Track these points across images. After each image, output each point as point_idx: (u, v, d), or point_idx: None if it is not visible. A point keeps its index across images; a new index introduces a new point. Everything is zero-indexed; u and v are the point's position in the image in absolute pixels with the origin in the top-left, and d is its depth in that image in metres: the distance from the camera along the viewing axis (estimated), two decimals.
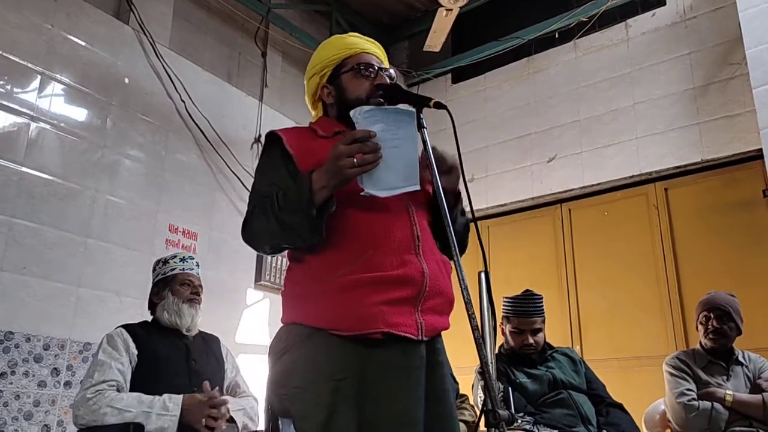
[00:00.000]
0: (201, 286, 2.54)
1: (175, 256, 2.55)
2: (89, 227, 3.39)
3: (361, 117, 1.34)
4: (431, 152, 1.41)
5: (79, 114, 3.48)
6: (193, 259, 2.57)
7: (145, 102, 3.83)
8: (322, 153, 1.35)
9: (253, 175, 1.59)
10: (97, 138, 3.53)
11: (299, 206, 1.31)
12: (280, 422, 1.41)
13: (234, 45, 4.70)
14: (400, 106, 1.41)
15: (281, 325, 1.48)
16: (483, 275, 1.48)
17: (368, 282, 1.35)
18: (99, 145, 3.53)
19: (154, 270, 2.56)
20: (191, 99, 4.04)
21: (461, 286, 1.34)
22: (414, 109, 1.42)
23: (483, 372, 1.34)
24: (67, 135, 3.39)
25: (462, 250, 1.54)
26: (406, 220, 1.44)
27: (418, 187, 1.38)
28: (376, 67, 1.57)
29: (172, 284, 2.46)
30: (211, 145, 4.15)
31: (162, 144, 3.88)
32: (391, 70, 1.60)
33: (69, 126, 3.41)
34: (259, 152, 2.17)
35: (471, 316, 1.32)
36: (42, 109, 3.30)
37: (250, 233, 1.43)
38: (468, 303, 1.33)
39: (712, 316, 2.84)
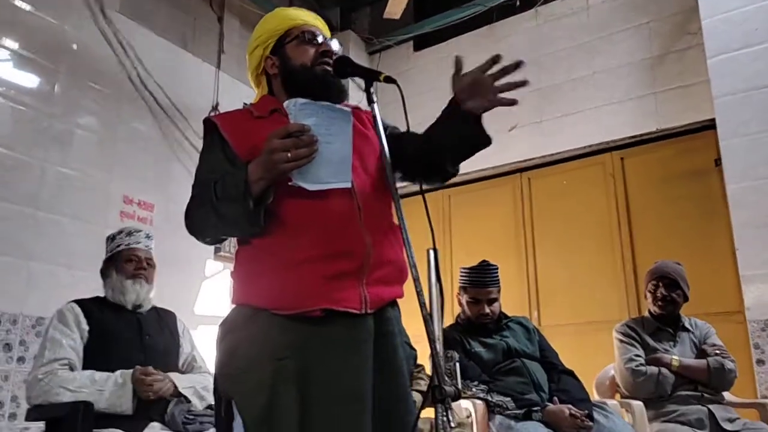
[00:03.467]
0: (150, 259, 2.49)
1: (122, 231, 2.49)
2: (39, 199, 3.28)
3: (296, 109, 1.32)
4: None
5: (24, 81, 3.34)
6: (140, 231, 2.51)
7: (95, 69, 3.69)
8: (257, 134, 1.33)
9: None
10: (44, 106, 3.39)
11: (236, 198, 1.28)
12: (232, 403, 1.39)
13: (189, 10, 4.53)
14: (342, 99, 1.42)
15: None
16: (432, 252, 1.48)
17: (308, 259, 1.35)
18: (47, 113, 3.40)
19: (106, 247, 2.51)
20: (144, 66, 3.91)
21: (409, 264, 1.34)
22: (350, 110, 1.42)
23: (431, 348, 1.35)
24: (13, 103, 3.25)
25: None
26: (346, 192, 1.41)
27: (348, 185, 1.39)
28: (321, 37, 1.55)
29: (117, 262, 2.43)
30: (166, 114, 4.04)
31: (114, 112, 3.76)
32: (337, 42, 1.58)
33: (15, 93, 3.27)
34: None
35: (419, 293, 1.33)
36: None
37: (191, 224, 1.41)
38: (416, 280, 1.33)
39: (660, 284, 2.93)
